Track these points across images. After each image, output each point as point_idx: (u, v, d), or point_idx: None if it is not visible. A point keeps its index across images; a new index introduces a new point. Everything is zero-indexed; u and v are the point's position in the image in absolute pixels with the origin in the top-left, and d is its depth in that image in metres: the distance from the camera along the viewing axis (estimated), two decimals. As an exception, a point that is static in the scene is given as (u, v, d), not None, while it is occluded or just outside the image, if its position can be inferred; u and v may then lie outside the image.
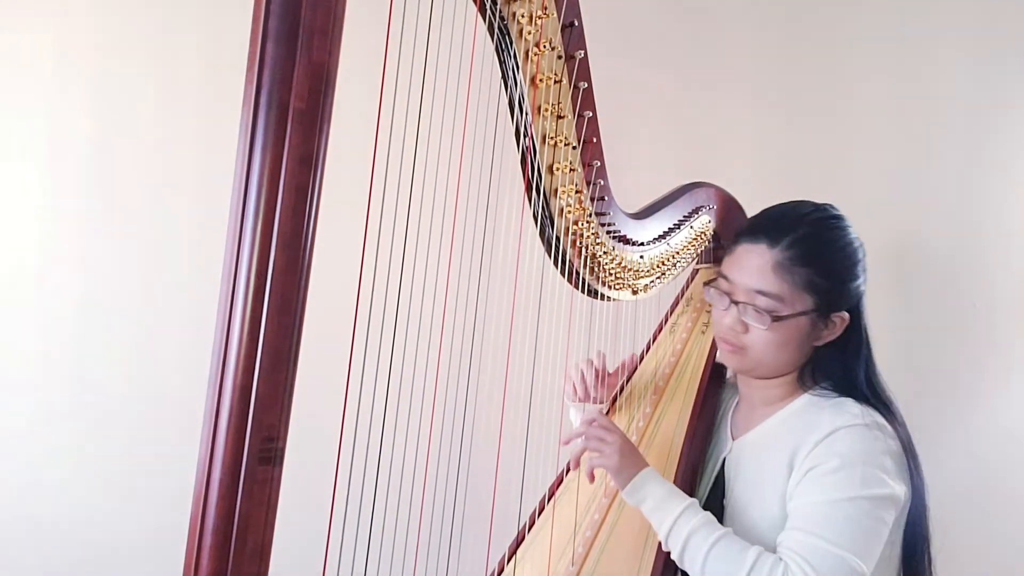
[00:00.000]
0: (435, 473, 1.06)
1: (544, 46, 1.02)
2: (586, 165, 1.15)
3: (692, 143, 1.99)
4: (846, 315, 1.10)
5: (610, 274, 1.27)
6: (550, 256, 1.17)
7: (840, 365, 1.11)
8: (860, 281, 1.11)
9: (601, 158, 1.16)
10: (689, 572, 1.02)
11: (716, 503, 1.14)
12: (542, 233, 1.15)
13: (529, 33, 1.00)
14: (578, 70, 1.07)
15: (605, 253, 1.24)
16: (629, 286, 1.34)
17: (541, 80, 1.04)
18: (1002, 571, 1.94)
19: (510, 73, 1.03)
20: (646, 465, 1.09)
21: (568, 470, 1.28)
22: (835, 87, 1.99)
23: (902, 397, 1.13)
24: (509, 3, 0.98)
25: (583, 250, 1.19)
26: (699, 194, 1.41)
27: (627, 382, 1.40)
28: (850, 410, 1.05)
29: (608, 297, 1.32)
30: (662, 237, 1.35)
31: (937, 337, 1.97)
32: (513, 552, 1.22)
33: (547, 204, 1.12)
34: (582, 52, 1.06)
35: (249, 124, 0.67)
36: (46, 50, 1.81)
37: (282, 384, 0.68)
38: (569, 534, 1.18)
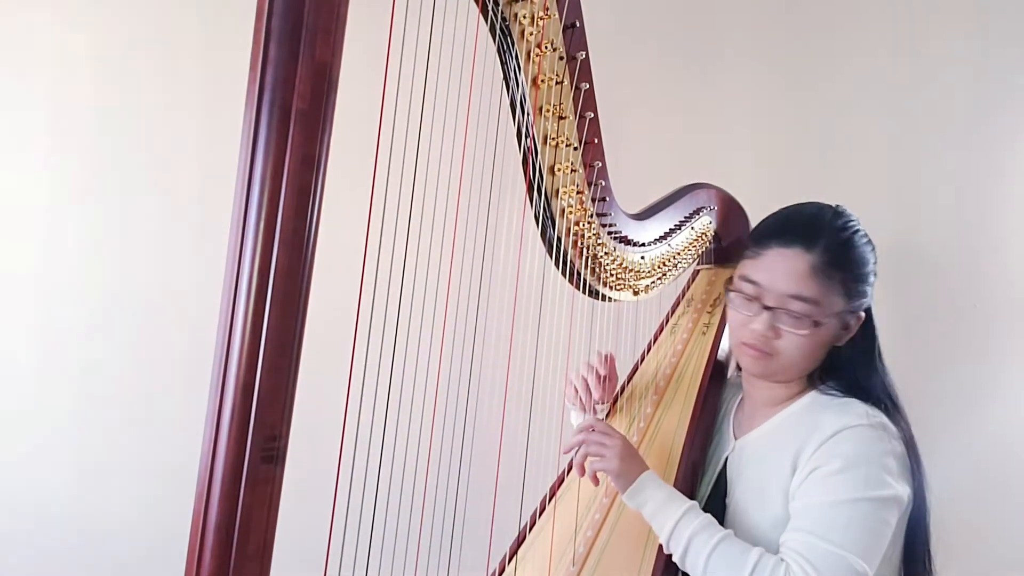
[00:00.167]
0: (436, 472, 1.06)
1: (546, 47, 1.02)
2: (587, 166, 1.15)
3: (693, 144, 1.99)
4: (863, 315, 1.10)
5: (611, 275, 1.27)
6: (551, 257, 1.17)
7: (849, 364, 1.11)
8: (874, 280, 1.12)
9: (602, 159, 1.16)
10: (691, 574, 1.02)
11: (718, 503, 1.14)
12: (543, 234, 1.15)
13: (531, 34, 1.00)
14: (579, 71, 1.07)
15: (606, 254, 1.24)
16: (630, 287, 1.34)
17: (543, 81, 1.04)
18: (1000, 571, 1.94)
19: (512, 74, 1.03)
20: (646, 468, 1.09)
21: (569, 470, 1.28)
22: (836, 89, 1.99)
23: (901, 397, 1.13)
24: (511, 4, 0.98)
25: (584, 251, 1.20)
26: (700, 195, 1.41)
27: (627, 382, 1.41)
28: (855, 410, 1.05)
29: (609, 298, 1.32)
30: (663, 238, 1.35)
31: (937, 337, 1.97)
32: (514, 552, 1.22)
33: (548, 205, 1.13)
34: (583, 53, 1.06)
35: (252, 124, 0.67)
36: (47, 53, 1.82)
37: (284, 383, 0.69)
38: (570, 534, 1.18)
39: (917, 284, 1.96)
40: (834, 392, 1.11)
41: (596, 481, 1.13)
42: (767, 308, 1.07)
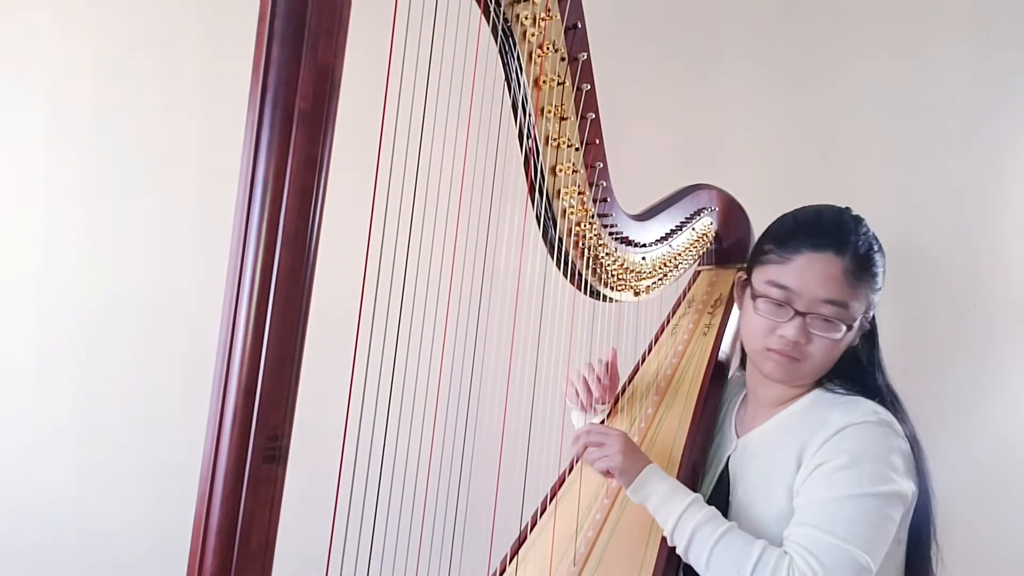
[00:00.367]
0: (438, 472, 1.06)
1: (547, 48, 1.02)
2: (589, 167, 1.15)
3: (694, 145, 1.99)
4: (871, 315, 1.11)
5: (612, 275, 1.28)
6: (552, 257, 1.17)
7: (855, 362, 1.12)
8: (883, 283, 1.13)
9: (604, 160, 1.16)
10: (695, 567, 1.03)
11: (721, 501, 1.14)
12: (545, 234, 1.16)
13: (533, 35, 1.00)
14: (581, 72, 1.07)
15: (608, 254, 1.24)
16: (631, 287, 1.34)
17: (544, 82, 1.04)
18: (999, 571, 1.94)
19: (513, 75, 1.03)
20: (649, 462, 1.09)
21: (570, 470, 1.29)
22: (836, 91, 1.99)
23: (901, 397, 1.14)
24: (513, 5, 0.98)
25: (585, 251, 1.20)
26: (701, 196, 1.41)
27: (628, 383, 1.41)
28: (861, 407, 1.05)
29: (610, 298, 1.32)
30: (664, 238, 1.36)
31: (937, 339, 1.97)
32: (515, 552, 1.22)
33: (550, 205, 1.13)
34: (585, 54, 1.06)
35: (254, 125, 0.67)
36: (48, 54, 1.82)
37: (286, 383, 0.69)
38: (571, 534, 1.18)
39: (917, 285, 1.96)
40: (839, 390, 1.11)
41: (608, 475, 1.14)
42: (799, 313, 1.06)
